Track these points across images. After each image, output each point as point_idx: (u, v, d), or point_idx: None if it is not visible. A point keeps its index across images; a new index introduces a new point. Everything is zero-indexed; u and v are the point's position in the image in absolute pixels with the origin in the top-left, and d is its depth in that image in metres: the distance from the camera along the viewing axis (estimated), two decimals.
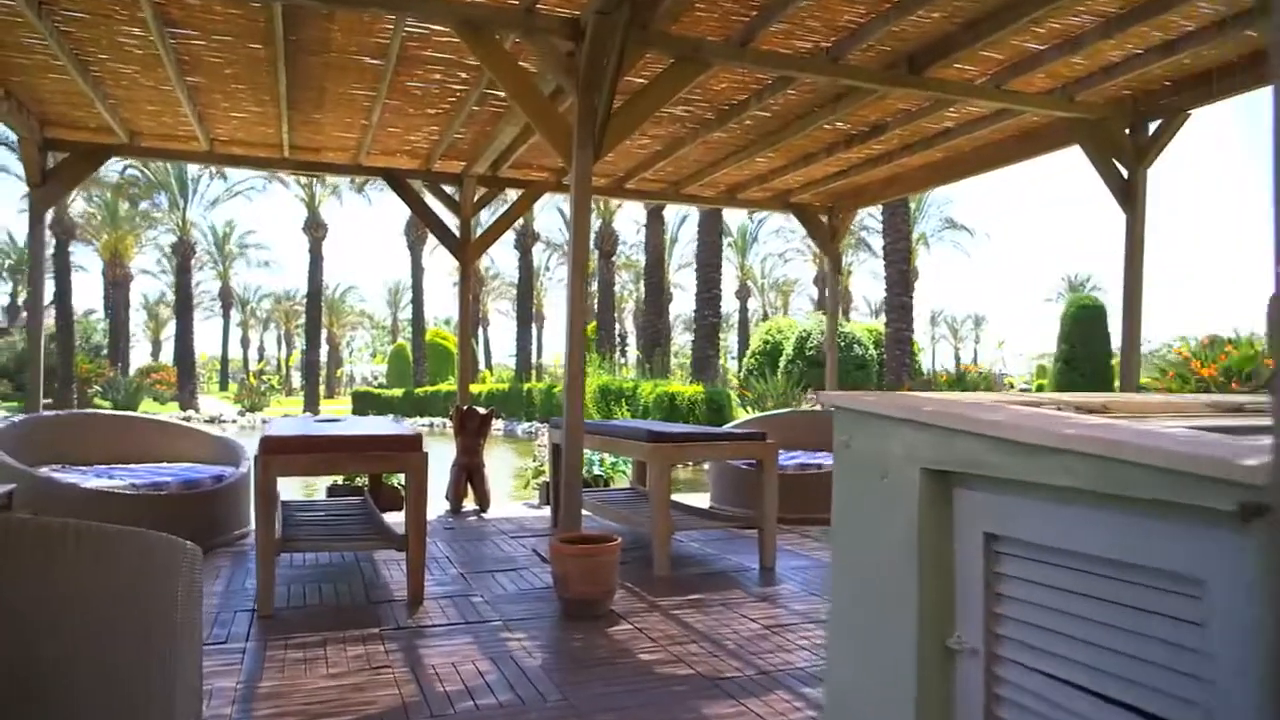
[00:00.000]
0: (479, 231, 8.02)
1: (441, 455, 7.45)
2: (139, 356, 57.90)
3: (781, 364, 18.80)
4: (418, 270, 35.29)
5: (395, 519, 5.23)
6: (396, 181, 7.42)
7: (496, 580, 4.64)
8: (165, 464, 6.19)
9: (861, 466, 1.97)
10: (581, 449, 4.54)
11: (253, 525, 5.88)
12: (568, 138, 4.47)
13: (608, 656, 3.39)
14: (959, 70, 5.12)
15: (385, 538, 4.31)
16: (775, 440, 5.00)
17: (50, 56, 5.11)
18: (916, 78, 5.00)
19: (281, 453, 3.88)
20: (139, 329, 65.24)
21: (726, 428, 6.18)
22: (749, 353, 20.77)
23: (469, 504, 7.24)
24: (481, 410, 7.14)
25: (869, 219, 42.86)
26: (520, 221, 33.25)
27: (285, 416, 5.95)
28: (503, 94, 5.73)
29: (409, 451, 4.08)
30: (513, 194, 8.01)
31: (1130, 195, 5.51)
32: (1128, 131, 5.50)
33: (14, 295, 59.59)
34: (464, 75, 5.43)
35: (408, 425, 4.32)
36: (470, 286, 7.73)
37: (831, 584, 2.01)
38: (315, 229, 33.61)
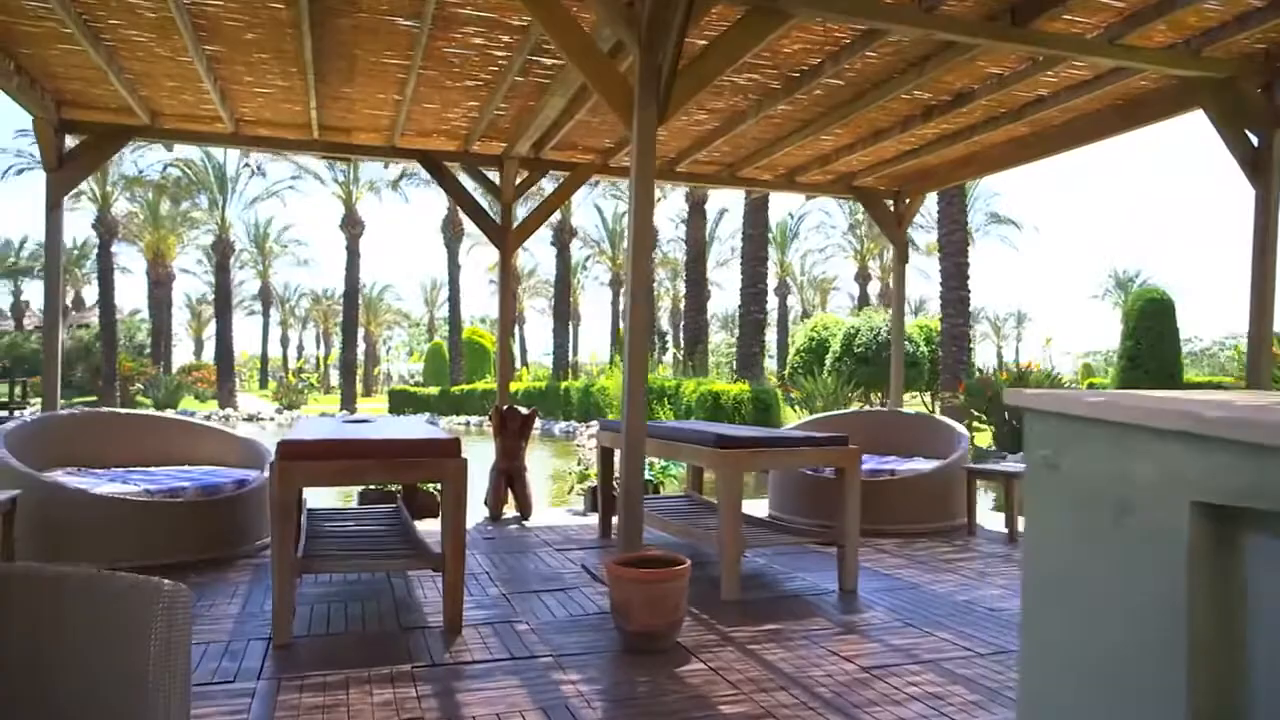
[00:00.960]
0: (519, 221, 7.50)
1: (480, 455, 6.96)
2: (182, 355, 58.57)
3: (828, 362, 18.13)
4: (454, 267, 35.01)
5: (430, 527, 4.73)
6: (433, 165, 6.92)
7: (543, 602, 4.10)
8: (187, 467, 5.76)
9: (1080, 497, 1.39)
10: (643, 456, 3.99)
11: None
12: (628, 99, 3.92)
13: (681, 708, 2.83)
14: (1068, 22, 4.48)
15: (420, 556, 3.80)
16: (859, 446, 4.41)
17: (59, 24, 4.67)
18: (1020, 30, 4.37)
19: (301, 459, 3.37)
20: (182, 328, 66.05)
21: (794, 430, 5.59)
22: (793, 350, 20.11)
23: (509, 510, 6.74)
24: (523, 410, 6.62)
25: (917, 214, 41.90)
26: (558, 217, 32.82)
27: (312, 416, 5.46)
28: (548, 61, 5.21)
29: (446, 458, 3.56)
30: (547, 186, 7.49)
31: (1261, 166, 4.83)
32: (1259, 92, 4.82)
33: (62, 295, 60.57)
34: (506, 39, 4.91)
35: (444, 428, 3.71)
36: (510, 278, 7.22)
37: (1023, 666, 1.43)
38: (352, 226, 33.47)
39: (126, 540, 4.61)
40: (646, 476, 7.09)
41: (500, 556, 5.20)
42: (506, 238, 7.09)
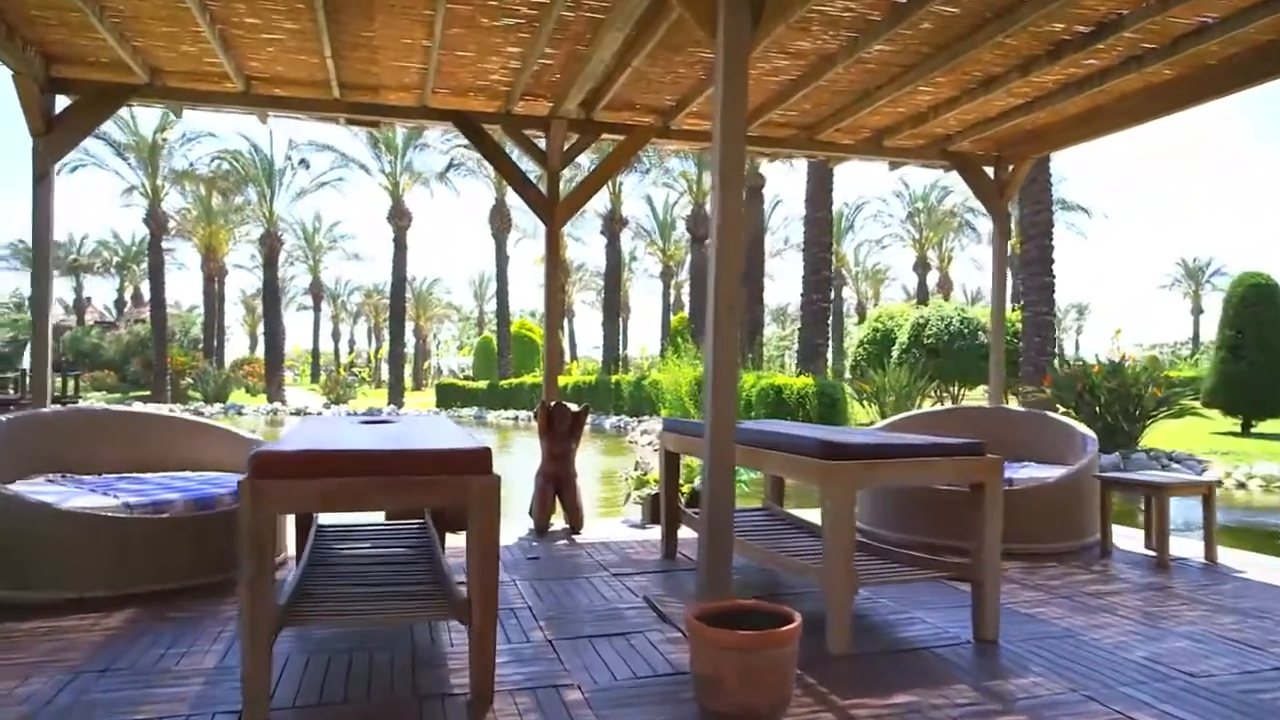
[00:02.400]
0: (568, 192, 6.62)
1: (527, 452, 6.13)
2: (238, 349, 59.15)
3: (895, 354, 17.02)
4: (502, 259, 34.37)
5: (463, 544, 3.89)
6: (471, 128, 6.08)
7: (599, 654, 3.22)
8: (187, 473, 5.02)
9: None
10: (733, 469, 3.10)
11: (290, 550, 4.64)
12: (710, 5, 3.01)
13: None
14: None
15: (440, 604, 2.94)
16: (1000, 456, 3.46)
17: None
18: None
19: (279, 476, 2.53)
20: (237, 323, 66.84)
21: (913, 435, 4.63)
22: (857, 342, 19.01)
23: (556, 521, 5.89)
24: (573, 408, 5.76)
25: (975, 200, 40.25)
26: (608, 205, 31.99)
27: (325, 416, 4.63)
28: None
29: (471, 474, 2.69)
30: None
31: None
32: None
33: (121, 290, 61.65)
34: None
35: (474, 436, 2.81)
36: (557, 255, 6.36)
37: None
38: (399, 218, 33.02)
39: (99, 564, 3.85)
40: None
41: (546, 584, 4.34)
42: (554, 210, 6.22)
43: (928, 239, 43.10)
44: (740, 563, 4.64)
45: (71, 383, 30.28)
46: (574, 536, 5.61)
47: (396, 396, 33.72)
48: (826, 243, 17.58)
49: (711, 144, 3.32)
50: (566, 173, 6.81)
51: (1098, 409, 11.82)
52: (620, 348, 34.62)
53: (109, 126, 32.26)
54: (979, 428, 6.37)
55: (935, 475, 3.39)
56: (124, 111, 32.59)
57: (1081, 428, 5.88)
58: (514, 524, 6.02)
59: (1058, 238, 14.73)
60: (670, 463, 4.97)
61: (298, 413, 31.20)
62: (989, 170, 7.20)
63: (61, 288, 59.65)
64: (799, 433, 3.55)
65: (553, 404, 5.77)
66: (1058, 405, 13.00)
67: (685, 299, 50.45)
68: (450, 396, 33.05)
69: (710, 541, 3.02)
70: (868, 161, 7.28)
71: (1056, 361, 14.06)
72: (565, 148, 6.30)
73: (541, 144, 6.36)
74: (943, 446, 3.41)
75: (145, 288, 54.93)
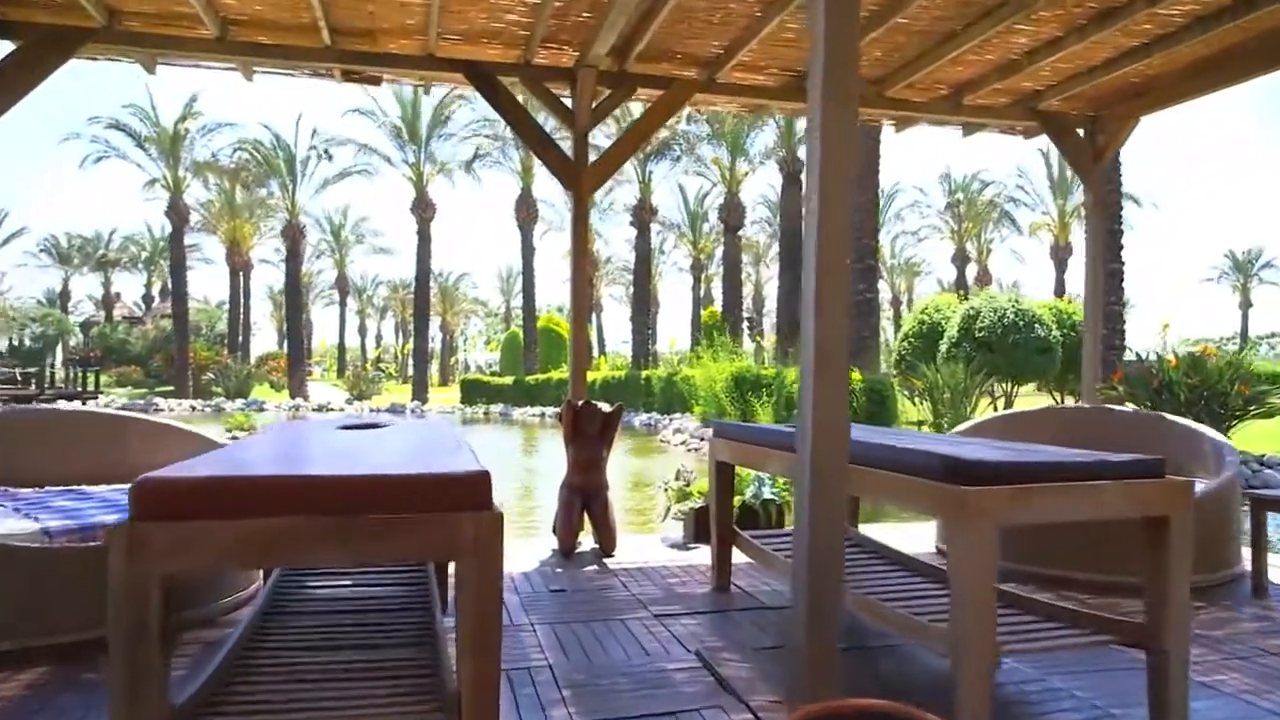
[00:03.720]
0: (596, 157, 5.73)
1: (555, 452, 5.30)
2: (265, 345, 59.01)
3: (943, 348, 15.99)
4: (528, 251, 33.56)
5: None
6: (485, 81, 5.22)
7: None
8: None
9: None
10: (843, 506, 2.22)
11: (258, 582, 3.81)
12: None
13: None
14: None
15: (424, 703, 2.06)
16: (1188, 478, 2.54)
17: None
18: None
19: (171, 516, 1.69)
20: (265, 318, 66.79)
21: (1063, 451, 3.70)
22: (901, 335, 17.99)
23: (584, 540, 5.03)
24: (604, 408, 4.89)
25: (1016, 189, 38.89)
26: (637, 195, 31.09)
27: (297, 422, 3.79)
28: None
29: (463, 510, 1.83)
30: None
31: None
32: None
33: (148, 285, 61.74)
34: None
35: (470, 452, 1.80)
36: (585, 232, 5.47)
37: None
38: (423, 209, 32.33)
39: (6, 604, 3.03)
40: (767, 494, 5.30)
41: (571, 629, 3.48)
42: (581, 177, 5.35)
43: (967, 230, 41.79)
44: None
45: (91, 378, 29.97)
46: (605, 560, 4.74)
47: (421, 393, 33.07)
48: (872, 228, 16.51)
49: (811, 74, 2.44)
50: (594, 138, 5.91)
51: (1178, 408, 10.74)
52: (650, 342, 33.68)
53: (128, 118, 31.93)
54: (1079, 430, 5.42)
55: (1103, 505, 2.47)
56: (144, 101, 32.29)
57: (1212, 433, 4.91)
58: (536, 544, 5.17)
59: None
60: (722, 476, 4.08)
61: (320, 408, 30.64)
62: (1082, 133, 6.24)
63: (90, 283, 59.92)
64: (908, 445, 2.65)
65: (580, 403, 4.91)
66: (1128, 404, 11.93)
67: (715, 294, 49.44)
68: (475, 393, 32.35)
69: (812, 614, 2.14)
70: (940, 125, 6.33)
71: (1126, 355, 12.98)
72: (594, 105, 5.43)
73: (567, 102, 5.49)
74: (1111, 466, 2.49)
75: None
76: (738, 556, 4.18)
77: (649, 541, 5.30)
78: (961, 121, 6.25)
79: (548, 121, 5.30)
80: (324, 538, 1.77)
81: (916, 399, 14.26)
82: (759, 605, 3.86)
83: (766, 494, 5.28)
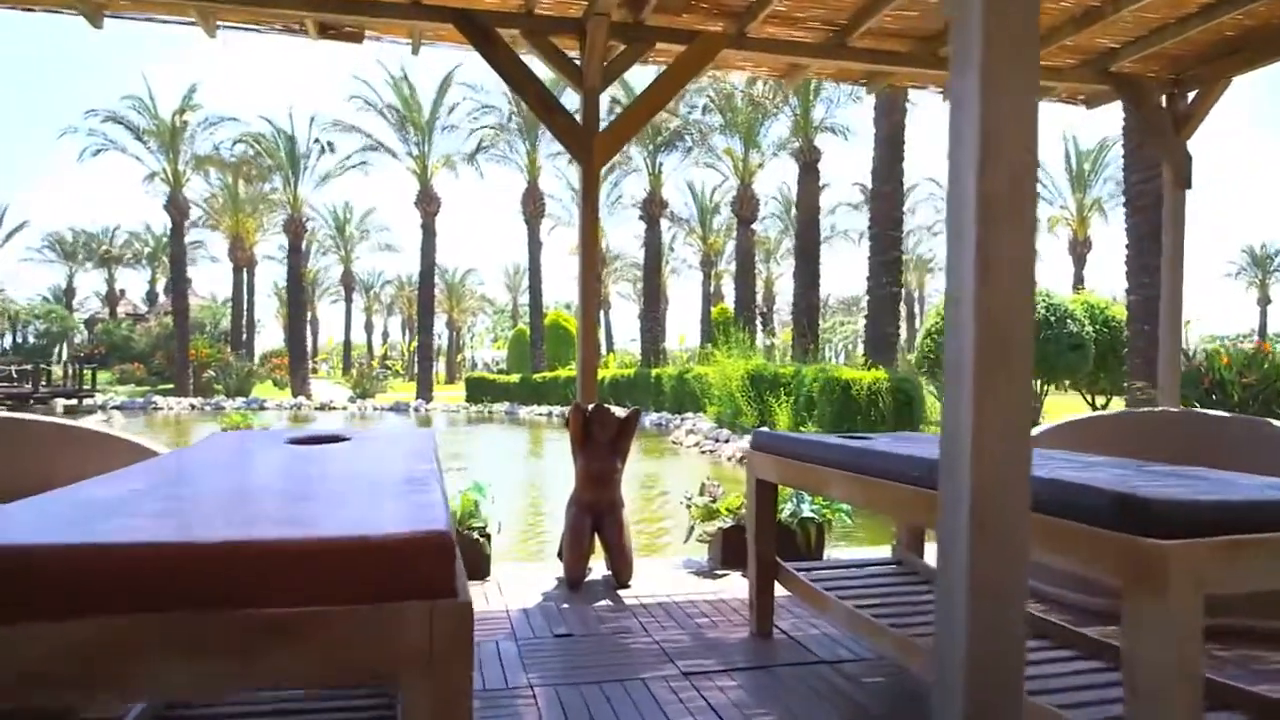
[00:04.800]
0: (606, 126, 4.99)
1: (565, 456, 4.63)
2: (271, 342, 58.43)
3: None
4: (535, 245, 32.79)
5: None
6: (480, 33, 4.49)
7: None
8: None
9: None
10: (1023, 581, 1.49)
11: None
12: None
13: None
14: None
15: None
16: None
17: None
18: None
19: None
20: (272, 315, 66.28)
21: (1234, 478, 2.96)
22: (924, 332, 17.20)
23: (595, 566, 4.32)
24: (619, 412, 4.18)
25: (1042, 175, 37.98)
26: (648, 187, 30.32)
27: (222, 436, 3.07)
28: None
29: (404, 598, 1.11)
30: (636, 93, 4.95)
31: None
32: None
33: (152, 282, 61.24)
34: None
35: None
36: (595, 207, 4.73)
37: None
38: (427, 202, 31.61)
39: None
40: (806, 511, 4.58)
41: (578, 691, 2.77)
42: (591, 143, 4.62)
43: None
44: (849, 647, 3.04)
45: (89, 375, 29.39)
46: (619, 591, 4.03)
47: (425, 391, 32.38)
48: (897, 219, 15.71)
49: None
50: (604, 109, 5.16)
51: (1231, 410, 9.98)
52: (660, 339, 32.91)
53: (127, 110, 31.30)
54: (1166, 441, 4.68)
55: None
56: (142, 91, 31.65)
57: None
58: (540, 571, 4.46)
59: (1123, 223, 12.85)
60: (764, 498, 3.36)
61: (322, 407, 30.00)
62: (1162, 100, 5.49)
63: (95, 280, 59.49)
64: (1049, 474, 1.91)
65: (591, 407, 4.19)
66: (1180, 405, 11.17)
67: (724, 291, 48.62)
68: (480, 391, 31.65)
69: None
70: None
71: (1195, 351, 12.21)
72: (606, 62, 4.70)
73: (576, 60, 4.76)
74: None
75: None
76: (779, 589, 3.46)
77: (668, 566, 4.58)
78: None
79: (557, 92, 4.59)
80: (163, 652, 1.05)
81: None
82: (811, 658, 3.14)
83: (806, 511, 4.56)
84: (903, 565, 3.55)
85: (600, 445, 4.16)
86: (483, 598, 3.91)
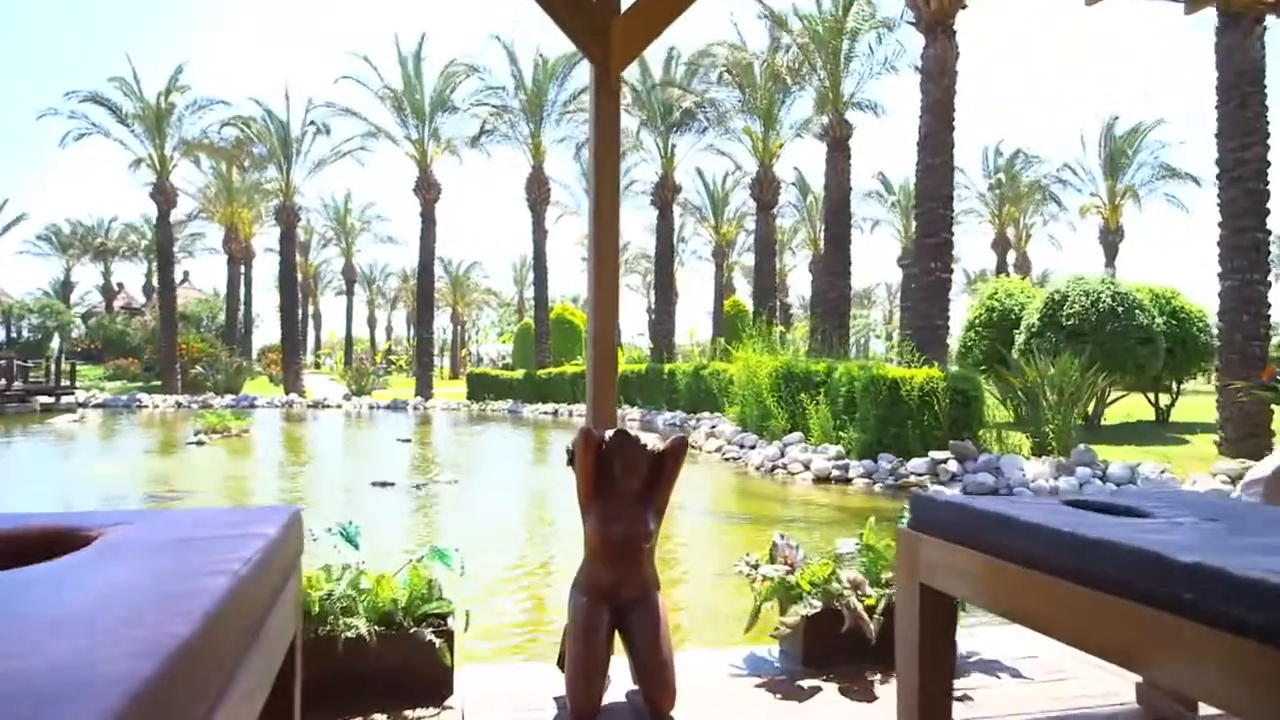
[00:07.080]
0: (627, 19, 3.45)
1: (563, 457, 3.03)
2: (270, 336, 57.01)
3: (1020, 338, 13.65)
4: (540, 234, 31.13)
5: None
6: None
7: None
8: None
9: None
10: None
11: None
12: None
13: None
14: None
15: None
16: None
17: None
18: None
19: None
20: (272, 309, 64.84)
21: None
22: (966, 325, 15.61)
23: (612, 686, 2.77)
24: (654, 442, 2.64)
25: (1063, 167, 36.28)
26: (659, 172, 28.67)
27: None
28: None
29: None
30: None
31: None
32: None
33: (149, 275, 59.86)
34: None
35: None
36: (615, 134, 3.20)
37: None
38: (426, 190, 30.08)
39: None
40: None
41: None
42: (609, 39, 3.07)
43: (1009, 214, 39.17)
44: None
45: (77, 371, 27.96)
46: None
47: (424, 388, 30.85)
48: (946, 196, 14.03)
49: None
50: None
51: None
52: (671, 333, 31.29)
53: (110, 91, 29.79)
54: None
55: None
56: (125, 72, 30.10)
57: None
58: (534, 681, 2.91)
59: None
60: (933, 617, 1.82)
61: (316, 405, 28.52)
62: None
63: (92, 272, 58.13)
64: None
65: (609, 434, 2.64)
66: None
67: (736, 283, 46.98)
68: (483, 387, 30.13)
69: None
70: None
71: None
72: None
73: None
74: None
75: (177, 271, 53.14)
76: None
77: (723, 670, 3.03)
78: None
79: None
80: None
81: (1010, 402, 11.94)
82: None
83: (867, 588, 3.01)
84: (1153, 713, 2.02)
85: (625, 496, 2.62)
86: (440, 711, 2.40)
